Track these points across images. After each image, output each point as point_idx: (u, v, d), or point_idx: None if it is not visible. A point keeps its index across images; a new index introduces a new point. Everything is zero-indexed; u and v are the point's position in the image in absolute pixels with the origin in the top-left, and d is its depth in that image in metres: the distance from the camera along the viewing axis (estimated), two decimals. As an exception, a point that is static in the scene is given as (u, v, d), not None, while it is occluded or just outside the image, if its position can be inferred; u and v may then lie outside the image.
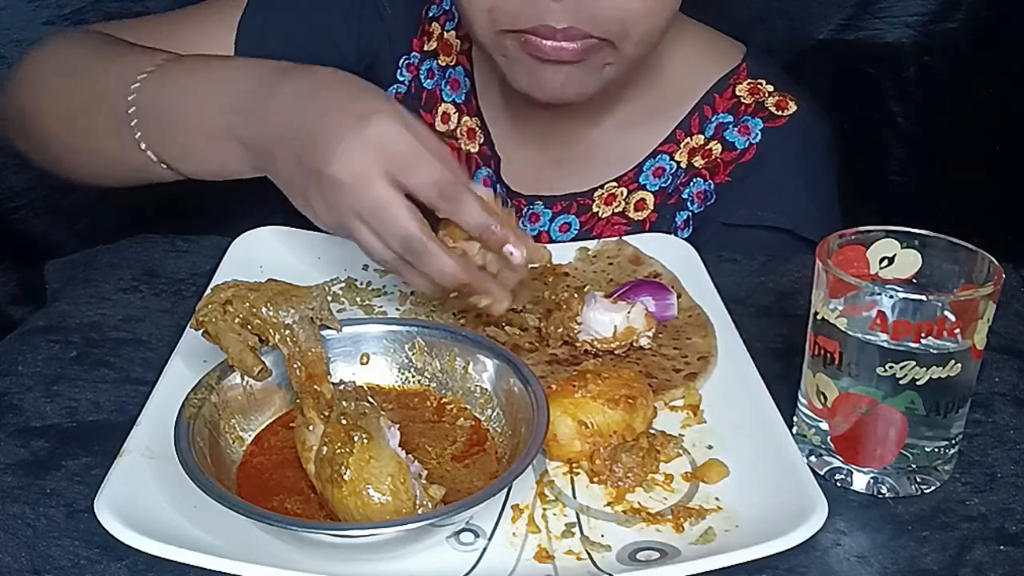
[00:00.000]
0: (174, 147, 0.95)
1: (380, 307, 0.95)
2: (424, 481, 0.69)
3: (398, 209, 0.80)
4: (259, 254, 0.98)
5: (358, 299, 0.96)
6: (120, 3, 1.34)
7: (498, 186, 1.16)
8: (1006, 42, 1.34)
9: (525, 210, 1.16)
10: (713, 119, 1.14)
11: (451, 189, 0.81)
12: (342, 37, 1.17)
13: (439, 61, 1.19)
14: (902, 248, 0.76)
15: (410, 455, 0.70)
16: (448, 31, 1.19)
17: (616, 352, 0.88)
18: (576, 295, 0.89)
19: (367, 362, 0.82)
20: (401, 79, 1.20)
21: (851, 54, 1.39)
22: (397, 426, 0.71)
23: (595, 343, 0.87)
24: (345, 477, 0.67)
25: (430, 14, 1.20)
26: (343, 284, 0.98)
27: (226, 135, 0.90)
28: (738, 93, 1.14)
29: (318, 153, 0.81)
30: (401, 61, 1.20)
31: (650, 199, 1.14)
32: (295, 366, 0.75)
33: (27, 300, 1.26)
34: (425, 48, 1.20)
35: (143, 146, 0.95)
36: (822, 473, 0.76)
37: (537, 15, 0.96)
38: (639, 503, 0.73)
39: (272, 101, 0.87)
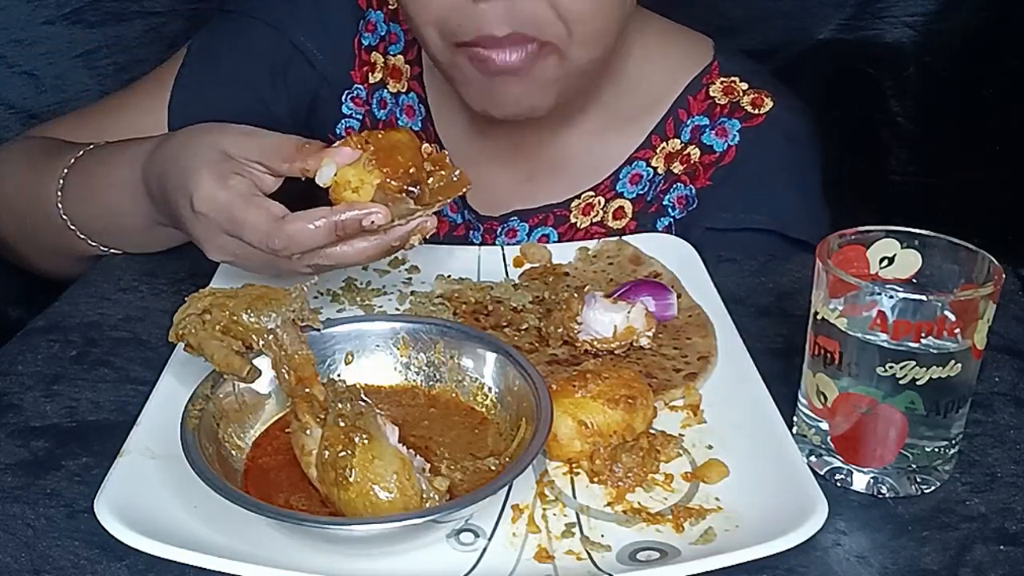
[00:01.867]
0: (126, 244, 1.04)
1: (380, 306, 0.95)
2: (428, 474, 0.69)
3: (245, 248, 0.82)
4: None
5: (358, 299, 0.96)
6: (117, 2, 1.34)
7: (465, 212, 1.15)
8: (1006, 42, 1.34)
9: (500, 228, 1.14)
10: (688, 122, 1.12)
11: (272, 237, 0.80)
12: (270, 95, 1.16)
13: (389, 88, 1.17)
14: (902, 248, 0.76)
15: (411, 450, 0.70)
16: (393, 55, 1.17)
17: (616, 352, 0.88)
18: (576, 295, 0.89)
19: (351, 361, 0.82)
20: (348, 112, 1.19)
21: (851, 54, 1.39)
22: (395, 427, 0.71)
23: (595, 343, 0.87)
24: (351, 479, 0.67)
25: (364, 43, 1.17)
26: (343, 284, 0.98)
27: (157, 223, 0.96)
28: (712, 94, 1.12)
29: (180, 223, 0.87)
30: (344, 96, 1.18)
31: (628, 207, 1.13)
32: (283, 370, 0.75)
33: (27, 300, 1.25)
34: (371, 80, 1.18)
35: (102, 248, 1.04)
36: (822, 473, 0.76)
37: (476, 25, 0.94)
38: (639, 503, 0.73)
39: (151, 191, 0.92)
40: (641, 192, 1.13)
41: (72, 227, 1.03)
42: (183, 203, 0.84)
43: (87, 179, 1.01)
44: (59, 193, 1.02)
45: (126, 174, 0.95)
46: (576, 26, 0.95)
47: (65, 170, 1.02)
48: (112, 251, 1.05)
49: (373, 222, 0.79)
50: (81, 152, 1.03)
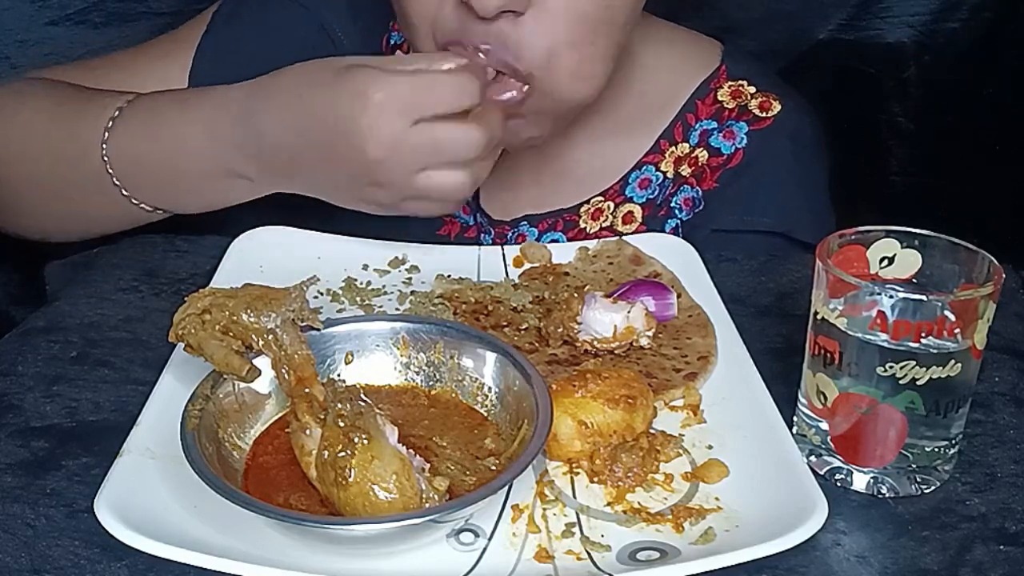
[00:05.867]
0: (166, 195, 1.00)
1: (380, 306, 0.95)
2: (427, 474, 0.69)
3: (452, 131, 0.85)
4: (259, 254, 0.98)
5: (358, 299, 0.96)
6: (123, 3, 1.34)
7: (477, 215, 1.15)
8: (1007, 43, 1.34)
9: (511, 233, 1.14)
10: (697, 126, 1.12)
11: (468, 89, 0.84)
12: None
13: None
14: (902, 248, 0.76)
15: (411, 450, 0.70)
16: None
17: (616, 352, 0.88)
18: (576, 295, 0.89)
19: (351, 361, 0.82)
20: None
21: (851, 54, 1.39)
22: (395, 427, 0.71)
23: (595, 343, 0.87)
24: (350, 479, 0.67)
25: (392, 42, 1.16)
26: (343, 284, 0.98)
27: (226, 173, 0.94)
28: (720, 98, 1.12)
29: (352, 152, 0.85)
30: None
31: (638, 211, 1.13)
32: (283, 371, 0.75)
33: (27, 300, 1.25)
34: None
35: (135, 199, 0.99)
36: (822, 473, 0.76)
37: (462, 32, 0.92)
38: (639, 503, 0.73)
39: (262, 131, 0.91)
40: (651, 197, 1.13)
41: (111, 171, 0.98)
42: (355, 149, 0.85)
43: (150, 121, 0.98)
44: (105, 134, 0.97)
45: (208, 114, 0.94)
46: (561, 56, 0.93)
47: (116, 111, 0.98)
48: (143, 206, 1.00)
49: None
50: (132, 97, 1.00)
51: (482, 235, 1.15)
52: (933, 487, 0.75)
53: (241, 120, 0.92)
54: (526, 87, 0.94)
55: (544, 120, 0.99)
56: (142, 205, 1.01)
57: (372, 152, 0.85)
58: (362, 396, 0.72)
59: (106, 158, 0.98)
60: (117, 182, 0.99)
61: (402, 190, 0.88)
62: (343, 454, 0.67)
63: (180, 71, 1.12)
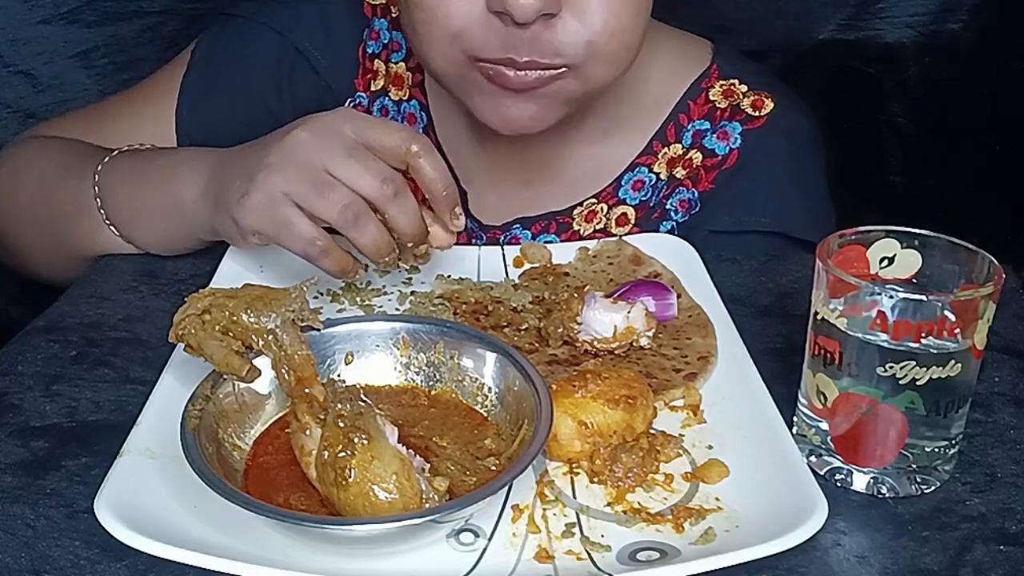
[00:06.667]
0: (142, 229, 1.03)
1: (380, 307, 0.95)
2: (427, 474, 0.69)
3: (338, 184, 0.84)
4: (259, 254, 0.98)
5: (358, 299, 0.96)
6: (115, 1, 1.34)
7: (468, 220, 1.14)
8: (1006, 43, 1.34)
9: (503, 236, 1.13)
10: (689, 127, 1.12)
11: (411, 145, 0.86)
12: (275, 102, 1.16)
13: (391, 96, 1.16)
14: (902, 248, 0.76)
15: (411, 450, 0.70)
16: (395, 63, 1.16)
17: (616, 352, 0.88)
18: (576, 295, 0.89)
19: (351, 361, 0.82)
20: None
21: (851, 54, 1.39)
22: (395, 427, 0.71)
23: (595, 343, 0.87)
24: (350, 479, 0.67)
25: (368, 51, 1.16)
26: (343, 284, 0.98)
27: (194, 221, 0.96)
28: (712, 98, 1.12)
29: (259, 157, 0.86)
30: (347, 104, 1.17)
31: (631, 213, 1.12)
32: (283, 371, 0.75)
33: (27, 300, 1.26)
34: (372, 88, 1.16)
35: (116, 232, 1.03)
36: (822, 473, 0.76)
37: (503, 45, 0.92)
38: (639, 503, 0.73)
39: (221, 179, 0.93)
40: (644, 198, 1.12)
41: (101, 210, 1.02)
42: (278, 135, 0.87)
43: (137, 163, 1.02)
44: (96, 176, 1.02)
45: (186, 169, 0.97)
46: (601, 47, 0.94)
47: (107, 159, 1.02)
48: (137, 246, 1.04)
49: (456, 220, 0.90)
50: (126, 147, 1.05)
51: (473, 240, 1.14)
52: (933, 487, 0.75)
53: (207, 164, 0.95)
54: (561, 69, 0.94)
55: (561, 105, 0.99)
56: (120, 240, 1.04)
57: (271, 159, 0.86)
58: (362, 396, 0.72)
59: (98, 200, 1.02)
60: (108, 221, 1.02)
61: (269, 210, 0.86)
62: (343, 454, 0.67)
63: (167, 112, 1.14)
